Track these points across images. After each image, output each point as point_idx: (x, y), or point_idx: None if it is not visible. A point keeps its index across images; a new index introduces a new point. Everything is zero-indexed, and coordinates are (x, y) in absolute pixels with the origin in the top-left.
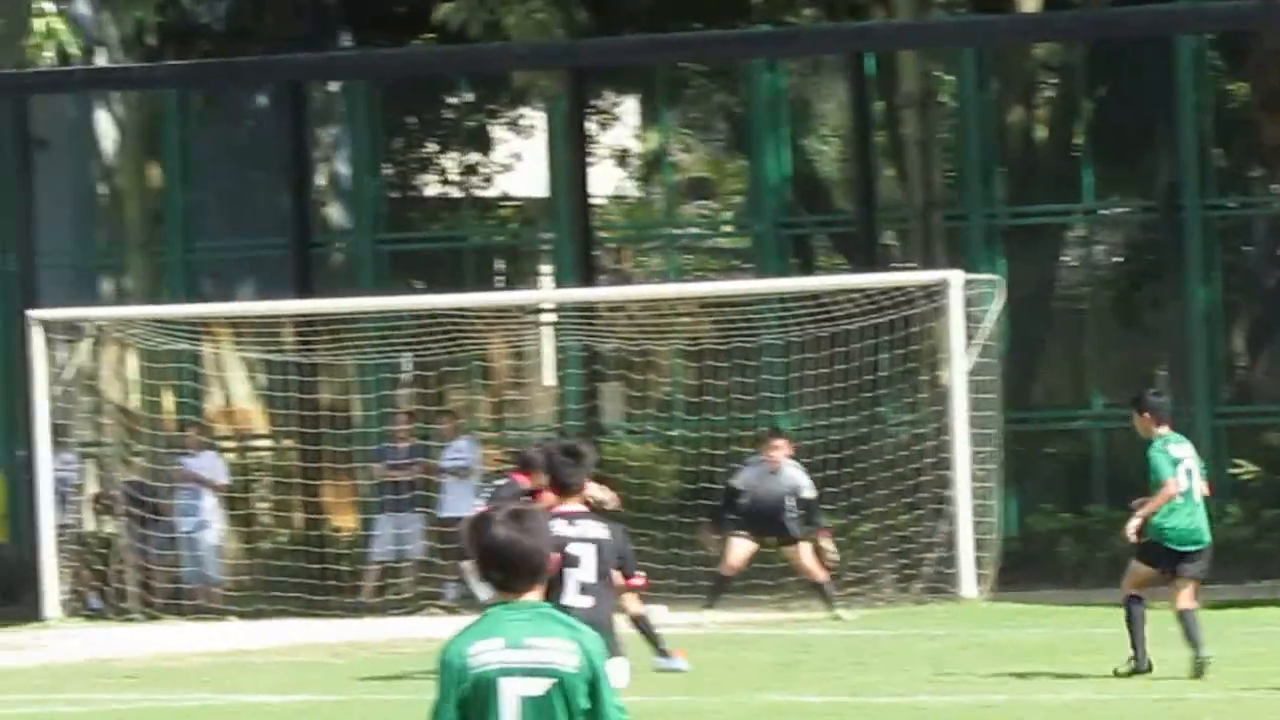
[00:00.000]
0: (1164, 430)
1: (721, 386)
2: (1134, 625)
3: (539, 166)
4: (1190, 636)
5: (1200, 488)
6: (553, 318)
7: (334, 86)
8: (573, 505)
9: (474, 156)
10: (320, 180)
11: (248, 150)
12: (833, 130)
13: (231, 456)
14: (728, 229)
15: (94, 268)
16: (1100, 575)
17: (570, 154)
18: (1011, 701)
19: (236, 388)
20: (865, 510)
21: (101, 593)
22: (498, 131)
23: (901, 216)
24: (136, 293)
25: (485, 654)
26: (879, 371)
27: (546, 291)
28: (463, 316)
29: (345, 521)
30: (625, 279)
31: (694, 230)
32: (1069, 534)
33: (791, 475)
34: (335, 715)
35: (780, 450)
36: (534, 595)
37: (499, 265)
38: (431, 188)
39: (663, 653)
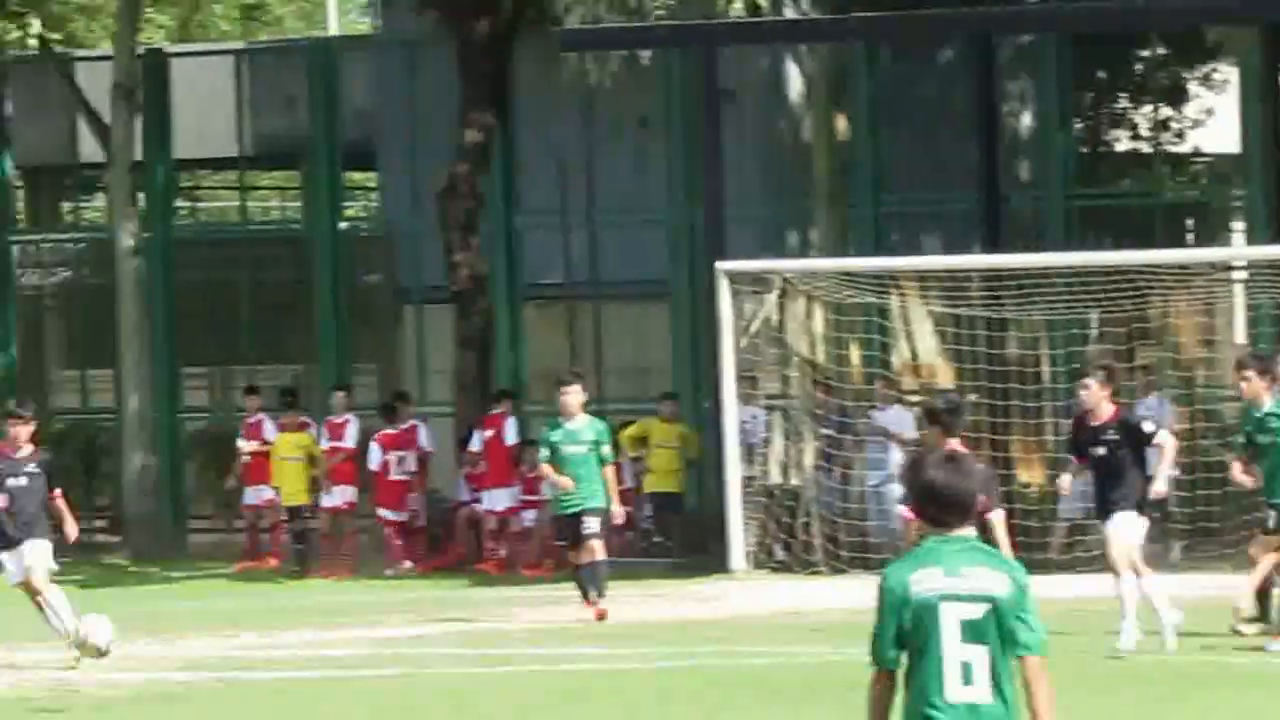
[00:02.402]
0: None
1: None
2: None
3: (1232, 123)
4: None
5: None
6: (1244, 275)
7: (1023, 40)
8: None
9: (1165, 111)
10: (1009, 134)
11: (936, 103)
12: None
13: (918, 411)
14: None
15: (781, 220)
16: None
17: (1263, 110)
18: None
19: (923, 342)
20: None
21: (788, 545)
22: (1190, 87)
23: None
24: (823, 245)
25: (926, 581)
26: None
27: (1238, 249)
28: (1153, 273)
29: (1033, 477)
30: None
31: None
32: None
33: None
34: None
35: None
36: (964, 531)
37: (1189, 222)
38: (1122, 143)
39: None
